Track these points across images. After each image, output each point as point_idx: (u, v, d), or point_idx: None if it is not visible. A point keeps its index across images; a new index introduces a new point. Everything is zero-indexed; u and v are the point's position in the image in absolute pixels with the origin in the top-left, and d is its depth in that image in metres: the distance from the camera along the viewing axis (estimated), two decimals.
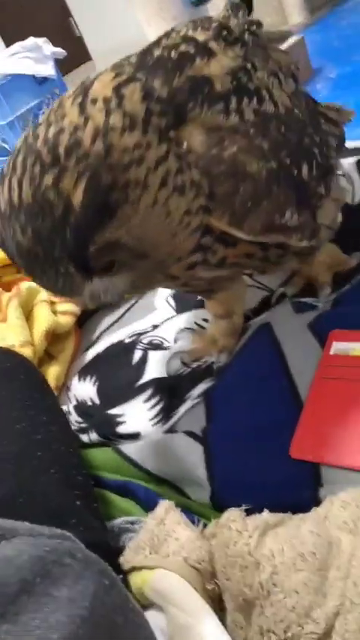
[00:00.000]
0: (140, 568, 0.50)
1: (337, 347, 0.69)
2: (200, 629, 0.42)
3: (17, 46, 2.93)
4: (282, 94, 0.61)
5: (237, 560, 0.44)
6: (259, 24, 0.66)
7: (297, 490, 0.55)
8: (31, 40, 2.93)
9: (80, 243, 0.45)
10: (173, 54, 0.54)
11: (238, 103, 0.54)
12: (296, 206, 0.57)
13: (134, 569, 0.50)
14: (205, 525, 0.54)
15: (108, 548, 0.53)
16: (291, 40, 1.71)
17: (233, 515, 0.48)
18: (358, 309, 0.74)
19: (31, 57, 2.92)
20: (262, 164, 0.53)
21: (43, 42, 2.96)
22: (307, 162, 0.61)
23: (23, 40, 2.99)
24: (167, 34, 0.58)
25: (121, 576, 0.47)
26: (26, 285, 0.92)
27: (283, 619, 0.41)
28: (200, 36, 0.57)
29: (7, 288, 0.95)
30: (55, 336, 0.90)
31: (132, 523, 0.61)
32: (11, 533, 0.37)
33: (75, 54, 4.19)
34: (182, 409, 0.74)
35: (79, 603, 0.33)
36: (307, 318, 0.74)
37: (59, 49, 3.07)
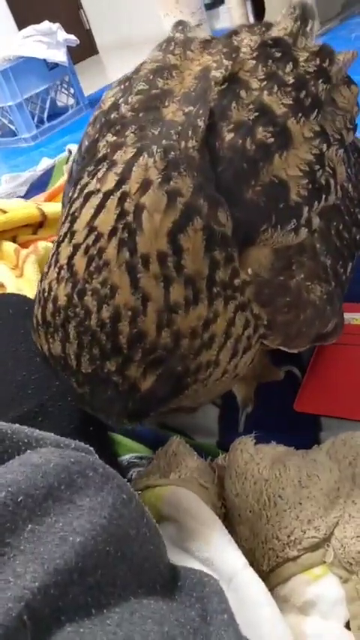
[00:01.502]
0: (154, 486, 0.54)
1: None
2: (208, 532, 0.47)
3: (31, 29, 2.96)
4: (341, 167, 0.52)
5: (247, 477, 0.49)
6: (331, 54, 0.54)
7: (299, 432, 0.60)
8: (45, 25, 2.97)
9: (141, 412, 0.44)
10: (249, 145, 0.44)
11: (309, 212, 0.46)
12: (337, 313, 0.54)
13: (147, 487, 0.55)
14: (212, 460, 0.59)
15: (118, 469, 0.57)
16: None
17: (245, 440, 0.52)
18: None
19: (44, 41, 2.95)
20: (324, 288, 0.49)
21: (57, 27, 2.99)
22: (351, 259, 0.56)
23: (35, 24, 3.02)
24: (236, 95, 0.45)
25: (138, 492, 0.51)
26: (43, 244, 0.95)
27: (288, 525, 0.45)
28: (277, 105, 0.46)
29: (24, 246, 0.99)
30: None
31: (140, 458, 0.65)
32: (38, 442, 0.40)
33: (82, 46, 4.23)
34: None
35: (100, 512, 0.35)
36: None
37: (72, 37, 3.11)
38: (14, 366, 0.60)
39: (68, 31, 3.19)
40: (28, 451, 0.38)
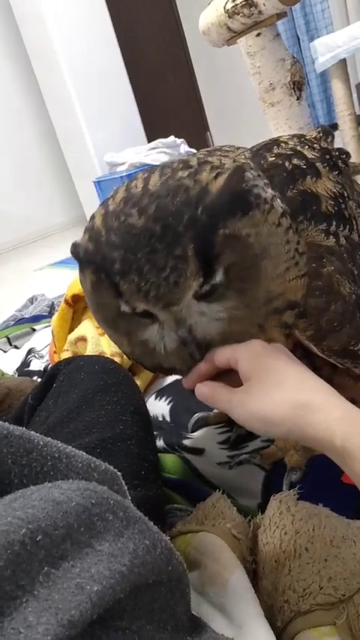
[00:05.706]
0: (186, 532, 0.53)
1: None
2: (227, 576, 0.45)
3: (157, 141, 3.30)
4: None
5: (279, 526, 0.48)
6: (348, 154, 0.70)
7: (344, 503, 0.57)
8: (170, 138, 3.30)
9: (211, 221, 0.42)
10: (287, 164, 0.56)
11: (337, 227, 0.55)
12: None
13: (180, 533, 0.54)
14: (249, 521, 0.57)
15: (161, 506, 0.58)
16: None
17: (288, 493, 0.51)
18: None
19: (168, 153, 3.26)
20: (353, 288, 0.54)
21: (180, 142, 3.32)
22: None
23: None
24: (276, 142, 0.60)
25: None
26: None
27: (307, 578, 0.43)
28: (308, 154, 0.59)
29: None
30: None
31: (180, 510, 0.64)
32: (69, 459, 0.39)
33: None
34: (251, 445, 0.76)
35: (120, 559, 0.33)
36: None
37: (194, 151, 3.43)
38: (86, 409, 0.65)
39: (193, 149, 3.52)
40: (48, 484, 0.36)
